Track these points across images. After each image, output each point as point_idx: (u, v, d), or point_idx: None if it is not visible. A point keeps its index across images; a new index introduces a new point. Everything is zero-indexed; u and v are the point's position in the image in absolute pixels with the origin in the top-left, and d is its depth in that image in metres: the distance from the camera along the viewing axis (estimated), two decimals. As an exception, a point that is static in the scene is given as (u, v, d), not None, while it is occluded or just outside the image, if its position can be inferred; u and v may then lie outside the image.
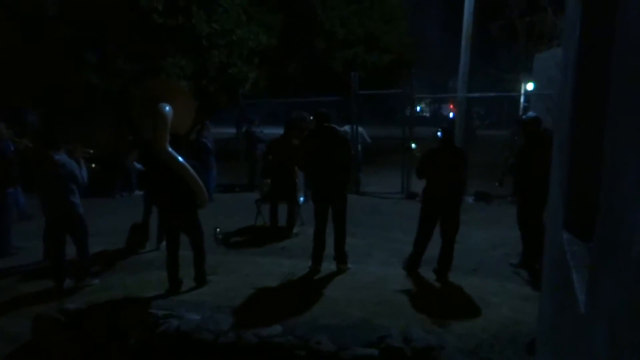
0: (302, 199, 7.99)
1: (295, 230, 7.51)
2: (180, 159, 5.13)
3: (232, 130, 14.76)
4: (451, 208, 5.47)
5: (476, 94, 11.96)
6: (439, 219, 5.51)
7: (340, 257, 5.79)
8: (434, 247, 5.61)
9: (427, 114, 49.52)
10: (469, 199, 10.13)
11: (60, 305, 5.01)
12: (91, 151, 6.52)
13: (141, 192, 8.12)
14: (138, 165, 6.81)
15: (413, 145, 7.06)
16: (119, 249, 6.78)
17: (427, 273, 5.59)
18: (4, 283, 5.85)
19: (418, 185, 5.79)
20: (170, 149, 5.12)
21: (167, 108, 5.24)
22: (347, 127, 10.71)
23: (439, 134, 5.50)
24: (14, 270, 6.21)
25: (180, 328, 4.36)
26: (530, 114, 6.19)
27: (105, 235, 7.03)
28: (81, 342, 4.64)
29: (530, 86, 24.82)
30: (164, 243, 5.98)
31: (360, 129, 11.00)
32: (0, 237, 6.79)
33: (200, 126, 10.64)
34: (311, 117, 7.33)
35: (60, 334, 4.70)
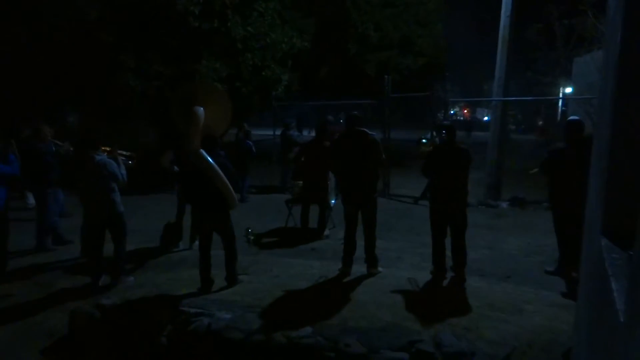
0: (333, 201, 8.00)
1: (326, 232, 7.52)
2: (210, 160, 5.19)
3: (263, 132, 14.92)
4: (456, 207, 5.42)
5: (512, 98, 11.67)
6: (448, 218, 5.49)
7: (371, 260, 5.75)
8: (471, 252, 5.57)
9: (461, 118, 49.02)
10: (503, 204, 9.95)
11: (95, 301, 5.14)
12: (126, 153, 6.68)
13: (174, 192, 8.25)
14: (175, 167, 6.93)
15: (423, 140, 6.98)
16: (153, 247, 6.92)
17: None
18: (42, 278, 6.04)
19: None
20: (201, 151, 5.18)
21: (200, 110, 5.30)
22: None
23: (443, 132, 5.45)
24: (52, 266, 6.41)
25: (211, 326, 4.42)
26: (574, 117, 6.04)
27: (139, 233, 7.17)
28: (115, 337, 4.75)
29: (568, 90, 24.22)
30: (196, 242, 6.07)
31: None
32: (39, 235, 7.03)
33: (243, 128, 10.85)
34: (341, 120, 7.36)
35: (95, 328, 4.83)
